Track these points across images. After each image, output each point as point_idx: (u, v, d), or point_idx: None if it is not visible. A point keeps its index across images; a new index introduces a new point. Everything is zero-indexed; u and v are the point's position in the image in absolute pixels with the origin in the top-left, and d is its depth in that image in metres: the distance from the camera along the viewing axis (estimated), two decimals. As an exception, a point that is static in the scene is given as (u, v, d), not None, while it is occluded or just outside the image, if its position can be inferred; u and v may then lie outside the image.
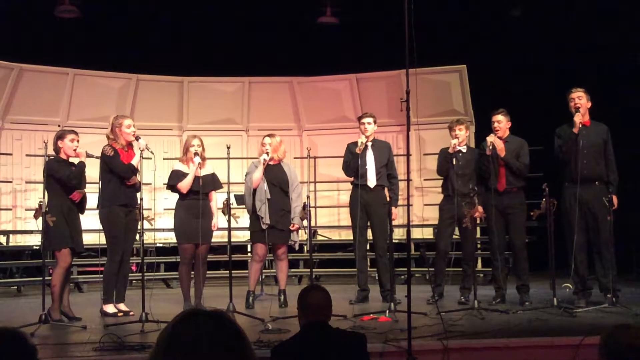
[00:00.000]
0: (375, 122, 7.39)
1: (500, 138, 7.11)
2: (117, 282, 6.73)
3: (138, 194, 6.51)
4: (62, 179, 6.34)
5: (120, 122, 6.76)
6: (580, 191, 6.65)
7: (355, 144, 7.36)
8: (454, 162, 7.19)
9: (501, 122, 7.15)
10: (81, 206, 6.55)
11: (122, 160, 6.63)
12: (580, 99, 6.83)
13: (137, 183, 6.64)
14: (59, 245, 6.30)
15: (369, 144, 7.35)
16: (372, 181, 7.29)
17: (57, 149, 6.49)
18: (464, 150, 7.35)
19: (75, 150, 6.51)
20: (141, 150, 6.40)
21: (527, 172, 7.17)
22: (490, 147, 6.99)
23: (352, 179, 7.44)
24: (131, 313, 6.56)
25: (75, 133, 6.67)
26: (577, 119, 6.73)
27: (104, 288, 6.73)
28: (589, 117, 6.91)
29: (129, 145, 6.79)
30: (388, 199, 7.35)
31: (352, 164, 7.27)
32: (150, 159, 6.56)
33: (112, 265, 6.66)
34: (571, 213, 6.73)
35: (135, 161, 6.66)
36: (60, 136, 6.54)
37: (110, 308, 6.65)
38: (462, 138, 7.30)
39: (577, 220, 6.65)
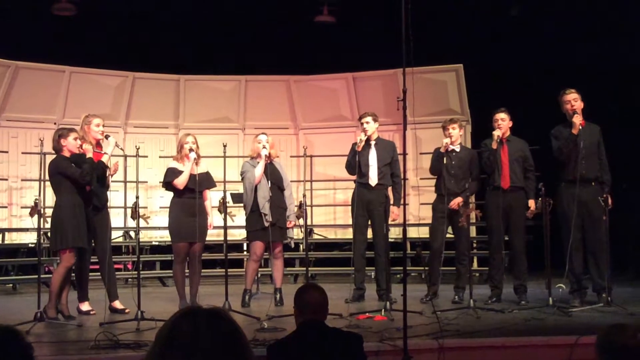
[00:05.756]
0: (375, 121, 7.40)
1: (501, 136, 7.11)
2: (82, 280, 6.73)
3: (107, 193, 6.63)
4: (74, 176, 6.27)
5: (89, 121, 6.80)
6: (578, 191, 6.67)
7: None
8: (446, 161, 7.17)
9: (505, 120, 7.15)
10: (89, 201, 6.54)
11: (92, 158, 6.55)
12: (576, 100, 6.86)
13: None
14: (67, 245, 6.19)
15: (372, 142, 7.36)
16: (373, 180, 7.29)
17: (59, 148, 6.37)
18: (458, 150, 7.35)
19: (80, 147, 6.44)
20: (117, 147, 6.45)
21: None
22: (497, 141, 6.99)
23: (353, 177, 7.44)
24: (127, 311, 6.56)
25: (76, 131, 6.66)
26: (577, 120, 6.74)
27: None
28: (581, 117, 6.91)
29: (98, 144, 6.77)
30: (391, 198, 7.35)
31: (352, 161, 7.29)
32: (121, 156, 6.57)
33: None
34: (569, 213, 6.75)
35: (105, 158, 6.63)
36: (62, 135, 6.42)
37: (85, 306, 6.69)
38: (455, 137, 7.31)
39: (573, 220, 6.67)
